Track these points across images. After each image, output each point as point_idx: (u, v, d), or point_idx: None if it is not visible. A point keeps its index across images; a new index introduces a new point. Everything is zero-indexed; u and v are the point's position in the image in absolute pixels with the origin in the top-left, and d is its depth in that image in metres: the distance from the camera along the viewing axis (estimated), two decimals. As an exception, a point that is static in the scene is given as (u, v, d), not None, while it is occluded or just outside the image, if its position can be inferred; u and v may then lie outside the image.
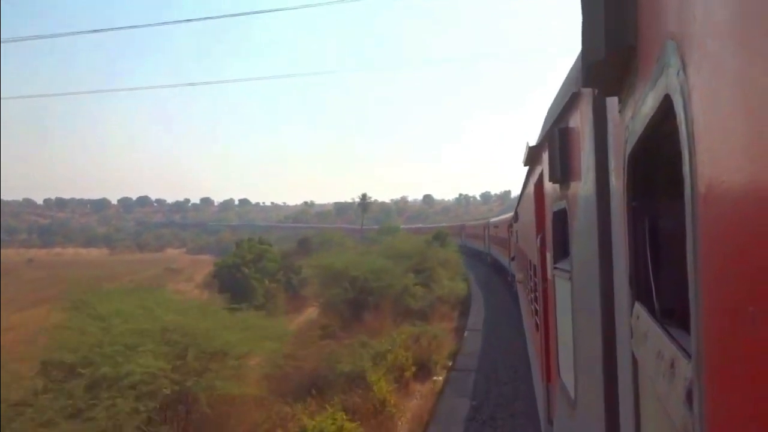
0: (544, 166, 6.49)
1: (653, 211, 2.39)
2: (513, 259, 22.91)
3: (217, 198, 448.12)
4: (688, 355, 1.55)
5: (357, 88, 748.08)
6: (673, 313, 2.12)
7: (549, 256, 6.56)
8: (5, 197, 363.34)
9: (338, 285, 34.25)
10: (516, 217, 18.13)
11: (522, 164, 9.52)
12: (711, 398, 1.34)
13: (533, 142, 7.91)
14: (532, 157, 8.40)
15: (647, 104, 1.90)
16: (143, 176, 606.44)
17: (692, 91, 1.42)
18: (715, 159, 1.28)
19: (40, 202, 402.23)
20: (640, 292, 2.36)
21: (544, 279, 7.45)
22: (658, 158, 2.30)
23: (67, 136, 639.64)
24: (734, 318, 1.18)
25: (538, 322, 8.89)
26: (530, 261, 10.01)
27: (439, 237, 58.87)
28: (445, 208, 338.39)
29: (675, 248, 2.00)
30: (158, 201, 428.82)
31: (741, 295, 1.14)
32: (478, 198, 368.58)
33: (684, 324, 1.78)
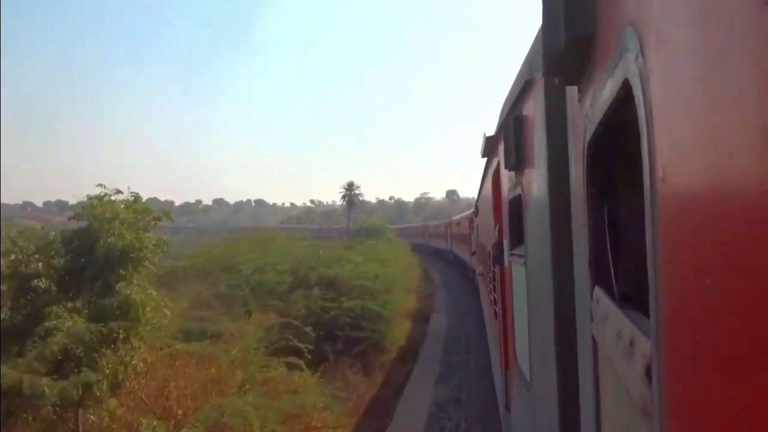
0: (500, 155, 6.58)
1: (612, 197, 2.43)
2: (474, 253, 22.89)
3: (233, 199, 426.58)
4: (647, 334, 1.59)
5: (378, 84, 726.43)
6: (630, 298, 2.18)
7: (506, 243, 6.66)
8: (3, 201, 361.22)
9: None
10: (476, 212, 18.18)
11: (480, 156, 9.59)
12: (669, 373, 1.37)
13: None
14: (489, 147, 8.50)
15: (606, 91, 1.94)
16: (154, 177, 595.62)
17: (650, 74, 1.45)
18: (673, 142, 1.31)
19: (40, 205, 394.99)
20: (599, 276, 2.41)
21: (502, 267, 7.55)
22: (617, 145, 2.34)
23: (73, 137, 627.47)
24: (692, 293, 1.21)
25: (497, 310, 9.04)
26: (489, 252, 10.11)
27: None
28: (471, 204, 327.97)
29: (633, 233, 2.06)
30: (166, 203, 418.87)
31: (699, 271, 1.17)
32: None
33: (642, 308, 1.84)
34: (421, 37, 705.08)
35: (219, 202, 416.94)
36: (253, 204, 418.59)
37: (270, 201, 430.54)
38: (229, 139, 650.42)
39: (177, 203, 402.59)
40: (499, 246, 7.60)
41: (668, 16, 1.33)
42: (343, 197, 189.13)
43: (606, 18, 2.08)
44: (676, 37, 1.28)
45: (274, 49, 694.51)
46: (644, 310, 1.66)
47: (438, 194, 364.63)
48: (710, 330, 1.12)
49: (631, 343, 1.72)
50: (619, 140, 2.27)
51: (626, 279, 2.25)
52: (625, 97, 1.71)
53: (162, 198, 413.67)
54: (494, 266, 8.81)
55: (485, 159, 10.17)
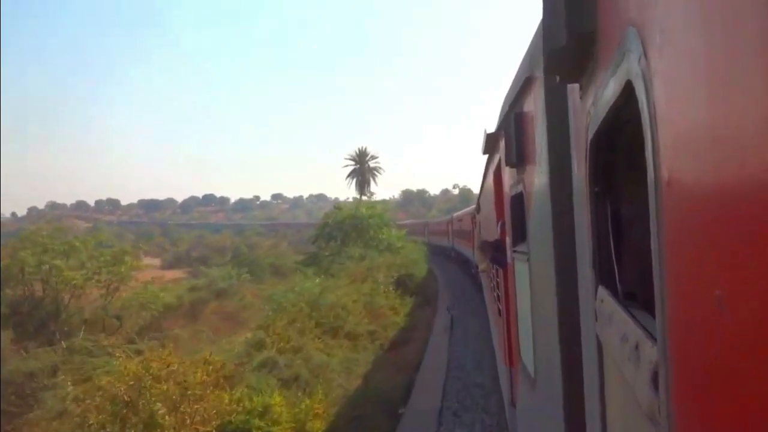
0: (502, 152, 6.55)
1: (615, 196, 2.42)
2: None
3: (293, 193, 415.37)
4: (653, 338, 1.57)
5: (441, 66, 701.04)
6: (635, 296, 2.17)
7: (508, 240, 6.63)
8: (58, 200, 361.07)
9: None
10: (478, 208, 18.13)
11: (481, 153, 9.53)
12: (677, 381, 1.36)
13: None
14: (490, 144, 8.45)
15: (609, 90, 1.92)
16: (213, 175, 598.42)
17: (654, 77, 1.43)
18: (677, 145, 1.30)
19: (92, 204, 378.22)
20: (603, 275, 2.40)
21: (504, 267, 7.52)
22: (621, 144, 2.33)
23: (131, 136, 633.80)
24: (700, 302, 1.20)
25: (500, 307, 9.09)
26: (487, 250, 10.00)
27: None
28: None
29: (637, 233, 2.05)
30: (222, 199, 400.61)
31: (706, 279, 1.16)
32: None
33: (647, 306, 1.82)
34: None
35: (277, 197, 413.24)
36: (315, 199, 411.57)
37: (332, 195, 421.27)
38: (291, 135, 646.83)
39: (233, 200, 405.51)
40: (497, 244, 7.60)
41: (671, 17, 1.32)
42: (351, 174, 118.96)
43: (607, 16, 2.07)
44: (679, 38, 1.27)
45: (330, 40, 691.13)
46: (650, 308, 1.64)
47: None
48: (718, 336, 1.10)
49: (637, 347, 1.70)
50: (621, 138, 2.26)
51: (630, 277, 2.23)
52: (628, 97, 1.69)
53: (218, 194, 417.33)
54: (494, 265, 8.78)
55: (486, 156, 10.08)
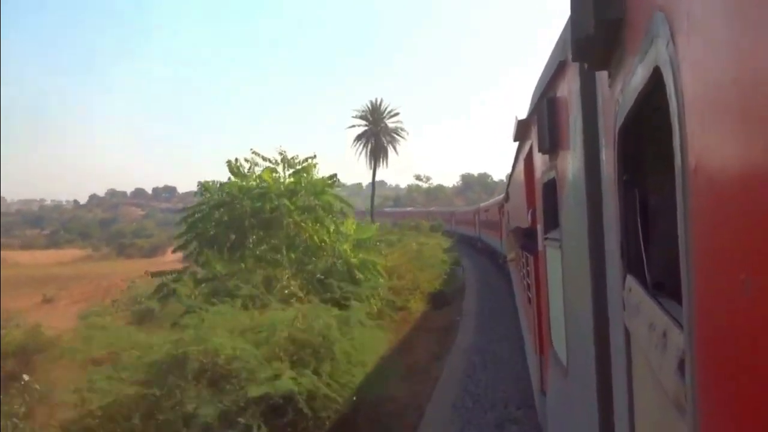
0: (533, 138, 6.49)
1: (644, 184, 2.40)
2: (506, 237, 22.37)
3: (352, 180, 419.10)
4: (680, 326, 1.57)
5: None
6: (663, 285, 2.15)
7: (540, 227, 6.58)
8: (118, 188, 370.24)
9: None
10: (507, 197, 17.95)
11: (512, 140, 9.43)
12: (703, 368, 1.36)
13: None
14: (521, 131, 8.35)
15: (637, 77, 1.90)
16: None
17: (682, 63, 1.42)
18: (705, 131, 1.29)
19: (150, 191, 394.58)
20: (631, 264, 2.38)
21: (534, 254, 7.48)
22: (649, 131, 2.31)
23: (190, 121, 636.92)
24: (726, 288, 1.19)
25: (530, 295, 8.98)
26: (518, 238, 9.89)
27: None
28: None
29: (665, 221, 2.04)
30: None
31: (733, 265, 1.16)
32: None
33: (675, 296, 1.81)
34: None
35: (335, 185, 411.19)
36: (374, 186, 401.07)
37: (393, 182, 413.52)
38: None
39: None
40: (528, 231, 7.52)
41: (698, 2, 1.31)
42: (360, 137, 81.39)
43: (635, 3, 2.04)
44: (707, 23, 1.26)
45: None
46: (677, 298, 1.64)
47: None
48: (746, 324, 1.10)
49: (665, 335, 1.70)
50: (650, 125, 2.24)
51: (659, 266, 2.22)
52: (656, 83, 1.68)
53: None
54: (524, 252, 8.70)
55: (517, 143, 9.95)
